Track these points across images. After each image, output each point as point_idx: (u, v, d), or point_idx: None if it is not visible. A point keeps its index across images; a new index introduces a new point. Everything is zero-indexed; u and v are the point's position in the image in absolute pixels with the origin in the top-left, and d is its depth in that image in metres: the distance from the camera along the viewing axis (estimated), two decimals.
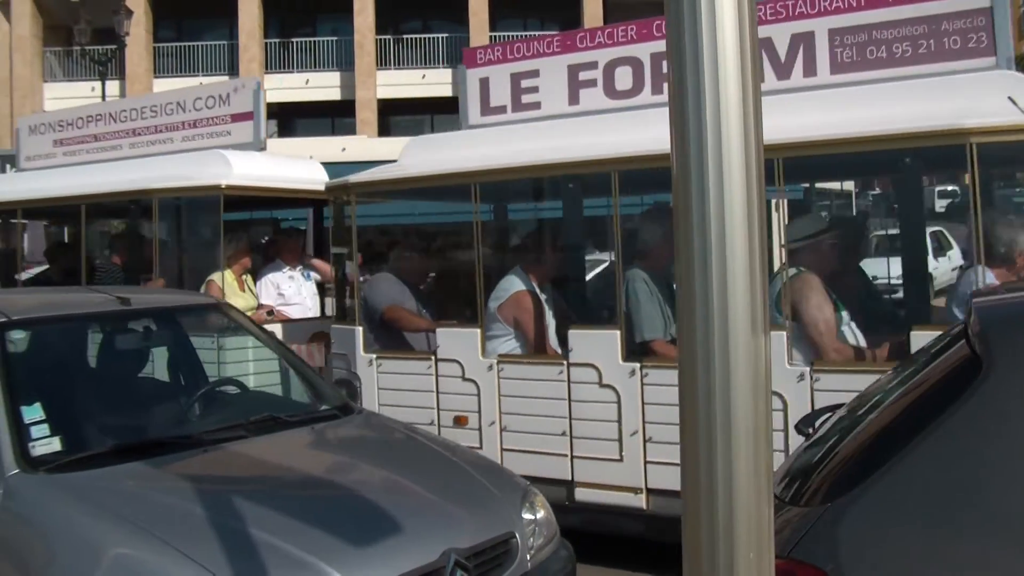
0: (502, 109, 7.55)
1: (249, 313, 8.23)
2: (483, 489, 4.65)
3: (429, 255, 10.08)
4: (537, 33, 33.42)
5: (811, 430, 3.63)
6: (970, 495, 2.47)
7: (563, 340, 6.62)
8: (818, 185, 19.98)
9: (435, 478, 4.79)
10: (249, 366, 6.62)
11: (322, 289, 10.17)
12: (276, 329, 8.43)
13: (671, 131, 1.54)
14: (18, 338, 4.99)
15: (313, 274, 9.85)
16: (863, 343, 5.99)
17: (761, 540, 1.53)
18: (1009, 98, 5.21)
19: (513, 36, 32.89)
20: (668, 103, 1.55)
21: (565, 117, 7.13)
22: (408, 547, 3.97)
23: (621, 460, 6.21)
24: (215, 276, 8.95)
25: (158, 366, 5.89)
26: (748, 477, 1.49)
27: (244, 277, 9.41)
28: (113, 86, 30.91)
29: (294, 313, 9.33)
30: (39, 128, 11.04)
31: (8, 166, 28.76)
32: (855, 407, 3.30)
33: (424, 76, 33.43)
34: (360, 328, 7.39)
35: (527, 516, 4.54)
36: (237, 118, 9.37)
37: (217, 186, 8.43)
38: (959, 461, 2.50)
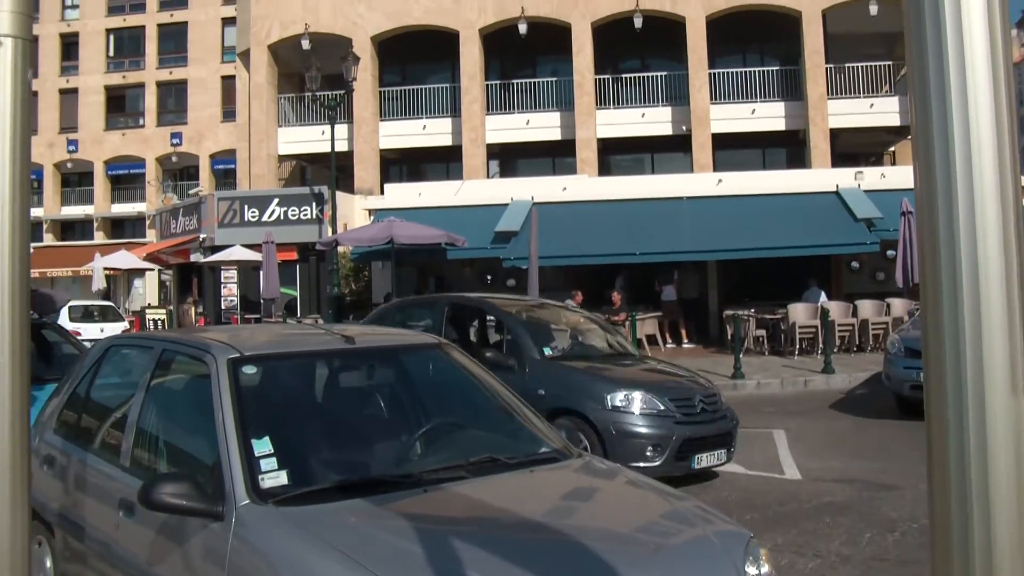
0: None
1: None
2: (705, 539, 4.49)
3: None
4: (758, 69, 32.98)
5: None
6: None
7: None
8: None
9: (655, 527, 4.66)
10: (469, 406, 6.60)
11: None
12: None
13: (914, 166, 1.40)
14: (249, 373, 5.16)
15: None
16: None
17: None
18: None
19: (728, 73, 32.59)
20: (911, 151, 1.41)
21: None
22: None
23: None
24: None
25: (381, 404, 6.00)
26: (1011, 551, 1.32)
27: None
28: (342, 129, 32.33)
29: None
30: None
31: (246, 207, 29.78)
32: None
33: (644, 115, 33.40)
34: None
35: (751, 570, 4.34)
36: None
37: None
38: None
